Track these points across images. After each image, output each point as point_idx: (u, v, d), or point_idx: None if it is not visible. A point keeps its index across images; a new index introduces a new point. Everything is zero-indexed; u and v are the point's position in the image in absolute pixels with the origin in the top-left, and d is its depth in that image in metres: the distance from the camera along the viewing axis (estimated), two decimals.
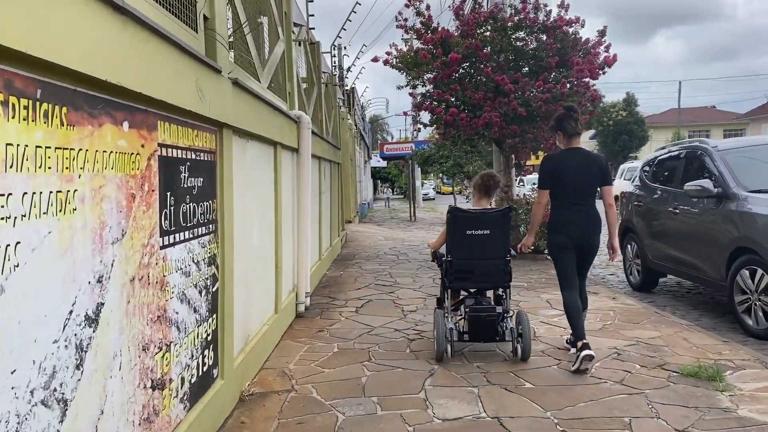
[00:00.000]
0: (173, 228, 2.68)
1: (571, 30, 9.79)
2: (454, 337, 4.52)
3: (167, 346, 2.62)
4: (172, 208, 2.67)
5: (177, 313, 2.73)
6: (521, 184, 22.59)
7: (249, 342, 4.18)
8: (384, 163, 36.96)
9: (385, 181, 46.43)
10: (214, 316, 3.30)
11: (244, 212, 4.07)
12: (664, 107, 64.09)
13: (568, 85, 9.38)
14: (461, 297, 4.86)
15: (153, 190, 2.46)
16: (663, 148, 8.35)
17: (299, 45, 6.63)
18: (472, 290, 4.83)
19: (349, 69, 19.73)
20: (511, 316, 4.63)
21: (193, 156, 2.96)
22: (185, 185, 2.84)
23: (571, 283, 4.51)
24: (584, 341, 4.30)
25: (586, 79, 9.58)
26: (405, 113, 12.80)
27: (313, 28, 7.77)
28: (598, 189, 4.61)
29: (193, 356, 2.97)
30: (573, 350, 4.53)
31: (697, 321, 6.13)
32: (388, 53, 10.44)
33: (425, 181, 45.91)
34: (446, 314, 4.63)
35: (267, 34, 5.59)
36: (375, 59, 10.82)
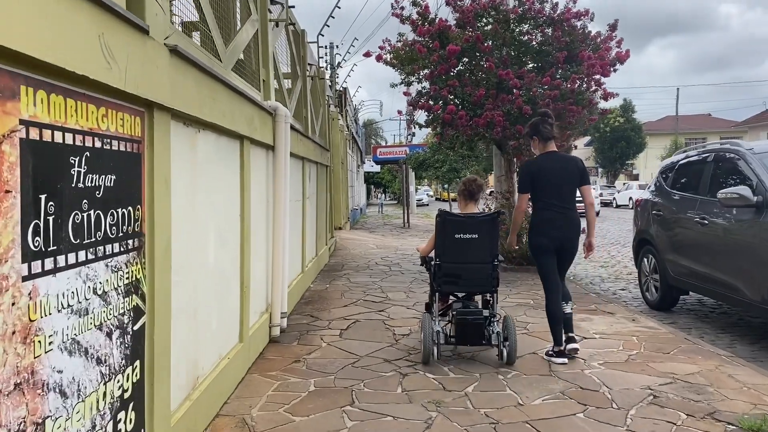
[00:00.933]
0: (53, 248, 1.82)
1: (579, 23, 9.02)
2: (440, 339, 4.56)
3: (38, 425, 1.75)
4: (51, 218, 1.80)
5: (60, 371, 1.86)
6: None
7: (198, 385, 3.30)
8: (378, 168, 36.08)
9: (379, 186, 45.57)
10: (137, 363, 2.44)
11: (192, 221, 3.20)
12: (659, 115, 63.52)
13: (577, 82, 8.57)
14: (450, 302, 4.92)
15: (7, 192, 1.60)
16: (684, 151, 7.54)
17: (276, 26, 5.78)
18: (460, 295, 4.86)
19: (339, 65, 18.87)
20: (498, 321, 4.66)
21: (99, 144, 2.10)
22: (81, 185, 1.98)
23: (554, 286, 4.65)
24: (560, 348, 4.59)
25: (597, 76, 8.78)
26: (399, 112, 12.02)
27: (293, 7, 6.91)
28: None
29: (95, 426, 2.10)
30: (557, 359, 4.60)
31: (730, 347, 5.34)
32: (381, 48, 9.64)
33: (419, 187, 45.02)
34: (434, 318, 4.65)
35: (239, 11, 4.76)
36: (367, 54, 10.03)
